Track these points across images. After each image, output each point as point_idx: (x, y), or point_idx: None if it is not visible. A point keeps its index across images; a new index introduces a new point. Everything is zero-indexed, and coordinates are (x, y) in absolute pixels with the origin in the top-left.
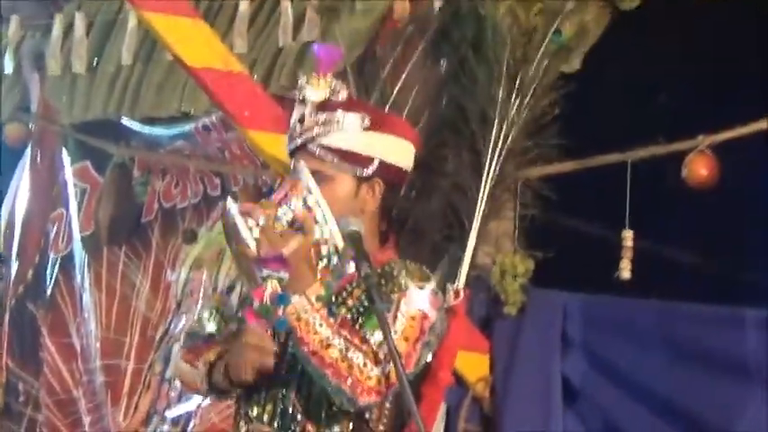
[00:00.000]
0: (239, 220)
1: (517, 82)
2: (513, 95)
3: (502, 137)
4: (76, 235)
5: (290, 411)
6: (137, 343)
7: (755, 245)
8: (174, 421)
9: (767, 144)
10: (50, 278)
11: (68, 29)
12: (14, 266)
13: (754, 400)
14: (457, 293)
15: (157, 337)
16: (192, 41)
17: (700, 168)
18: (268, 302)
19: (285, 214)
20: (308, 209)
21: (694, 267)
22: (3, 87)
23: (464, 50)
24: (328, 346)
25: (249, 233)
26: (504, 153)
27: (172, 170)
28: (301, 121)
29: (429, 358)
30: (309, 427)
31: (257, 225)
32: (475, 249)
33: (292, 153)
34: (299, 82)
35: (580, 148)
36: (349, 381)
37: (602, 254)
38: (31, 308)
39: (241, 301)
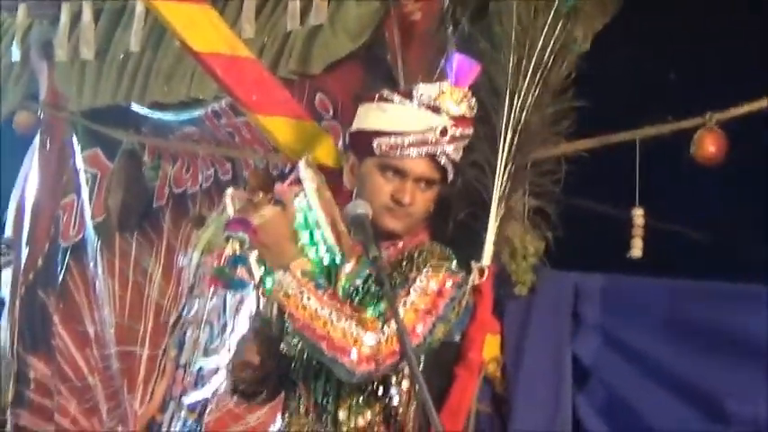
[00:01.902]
0: (229, 203)
1: (526, 50)
2: (524, 64)
3: (515, 109)
4: (88, 222)
5: (322, 402)
6: (151, 329)
7: (766, 220)
8: (191, 407)
9: None
10: (62, 265)
11: (76, 17)
12: (24, 254)
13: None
14: (481, 272)
15: (171, 323)
16: (199, 27)
17: (708, 145)
18: (224, 264)
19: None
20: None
21: (706, 245)
22: (11, 76)
23: (472, 21)
24: (317, 318)
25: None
26: (519, 126)
27: (182, 155)
28: (443, 133)
29: (457, 338)
30: (341, 415)
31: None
32: (500, 226)
33: (405, 156)
34: (433, 88)
35: (590, 127)
36: (343, 350)
37: (614, 233)
38: (41, 295)
39: None
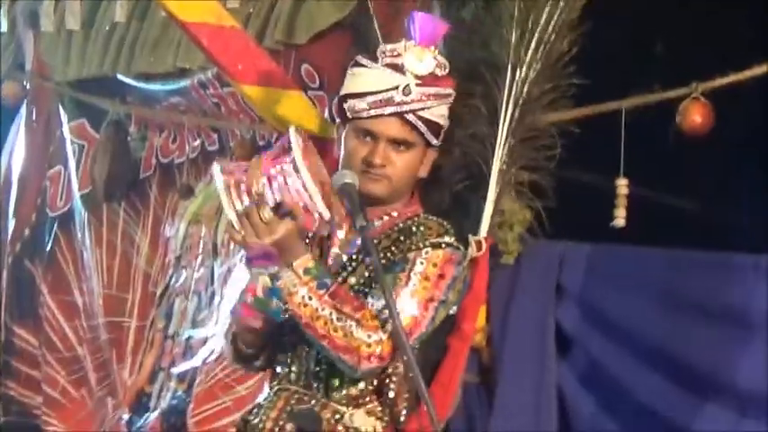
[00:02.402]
0: (224, 197)
1: (530, 24)
2: (526, 38)
3: (517, 82)
4: (76, 193)
5: (314, 369)
6: (139, 299)
7: (751, 191)
8: (180, 377)
9: (762, 90)
10: (49, 236)
11: None
12: (11, 224)
13: (753, 347)
14: (479, 245)
15: (158, 293)
16: None
17: (694, 115)
18: (261, 296)
19: (270, 197)
20: (296, 190)
21: (691, 215)
22: None
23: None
24: (318, 317)
25: (233, 212)
26: (520, 99)
27: (169, 125)
28: (406, 91)
29: (453, 311)
30: (334, 382)
31: (240, 200)
32: (498, 198)
33: (371, 117)
34: (394, 48)
35: (575, 96)
36: (345, 349)
37: (600, 203)
38: (28, 265)
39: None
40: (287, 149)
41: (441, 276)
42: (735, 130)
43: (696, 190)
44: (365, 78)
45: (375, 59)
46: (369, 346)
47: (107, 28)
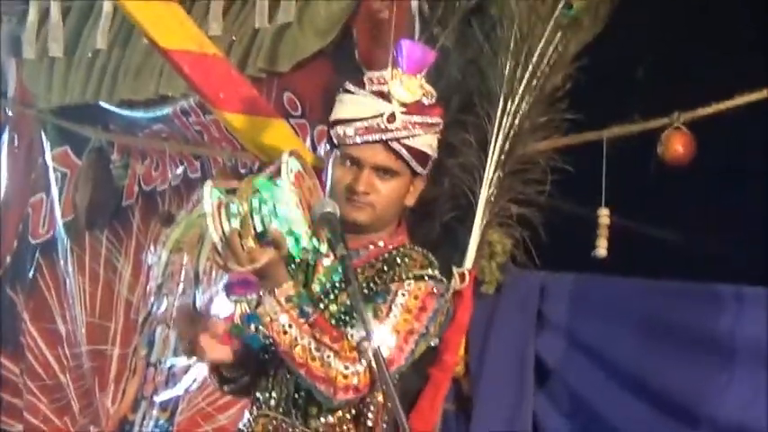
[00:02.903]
0: (211, 219)
1: (524, 56)
2: (520, 71)
3: (508, 114)
4: (59, 220)
5: (294, 396)
6: (121, 327)
7: (732, 221)
8: (163, 406)
9: (743, 120)
10: (31, 263)
11: (44, 14)
12: None
13: (734, 378)
14: (462, 277)
15: (140, 321)
16: (167, 24)
17: (676, 145)
18: (239, 322)
19: (257, 223)
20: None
21: (672, 245)
22: None
23: (475, 30)
24: (296, 345)
25: (218, 236)
26: (511, 131)
27: (151, 153)
28: (390, 119)
29: (434, 343)
30: (312, 410)
31: (228, 223)
32: (485, 229)
33: (356, 145)
34: (381, 75)
35: (566, 127)
36: (322, 379)
37: (581, 233)
38: (10, 293)
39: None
40: (277, 173)
41: (422, 309)
42: (716, 160)
43: (678, 220)
44: (352, 105)
45: (362, 86)
46: (345, 377)
47: (89, 55)
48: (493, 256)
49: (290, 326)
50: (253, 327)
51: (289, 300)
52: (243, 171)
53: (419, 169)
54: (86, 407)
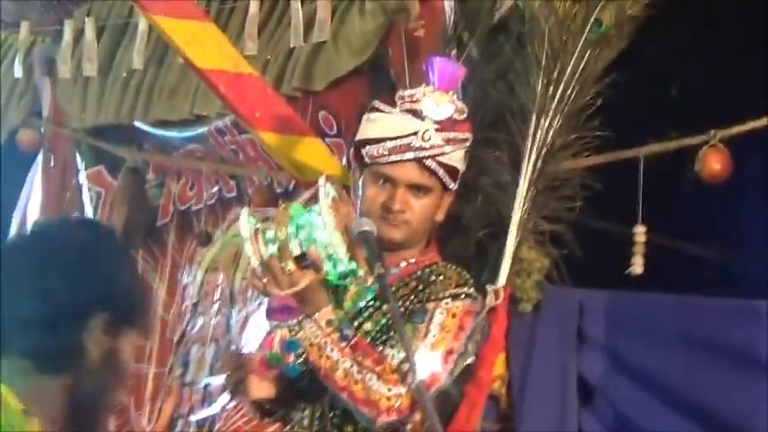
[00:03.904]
0: (249, 244)
1: (555, 74)
2: (552, 88)
3: (541, 131)
4: None
5: (328, 413)
6: (157, 346)
7: None
8: (199, 424)
9: None
10: None
11: (79, 33)
12: None
13: None
14: (497, 294)
15: (175, 340)
16: (202, 44)
17: (713, 162)
18: (278, 350)
19: (294, 247)
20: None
21: (711, 261)
22: (14, 93)
23: (504, 46)
24: (338, 369)
25: (258, 260)
26: (543, 148)
27: (186, 172)
28: (426, 137)
29: (470, 360)
30: (347, 428)
31: (265, 248)
32: (518, 247)
33: (391, 162)
34: (413, 93)
35: (596, 145)
36: (365, 402)
37: (619, 250)
38: None
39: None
40: (315, 199)
41: (461, 328)
42: (753, 177)
43: (714, 237)
44: (384, 124)
45: (393, 104)
46: (389, 399)
47: (124, 75)
48: (530, 274)
49: (331, 350)
50: (293, 355)
51: (329, 324)
52: (278, 190)
53: (451, 185)
54: (122, 426)
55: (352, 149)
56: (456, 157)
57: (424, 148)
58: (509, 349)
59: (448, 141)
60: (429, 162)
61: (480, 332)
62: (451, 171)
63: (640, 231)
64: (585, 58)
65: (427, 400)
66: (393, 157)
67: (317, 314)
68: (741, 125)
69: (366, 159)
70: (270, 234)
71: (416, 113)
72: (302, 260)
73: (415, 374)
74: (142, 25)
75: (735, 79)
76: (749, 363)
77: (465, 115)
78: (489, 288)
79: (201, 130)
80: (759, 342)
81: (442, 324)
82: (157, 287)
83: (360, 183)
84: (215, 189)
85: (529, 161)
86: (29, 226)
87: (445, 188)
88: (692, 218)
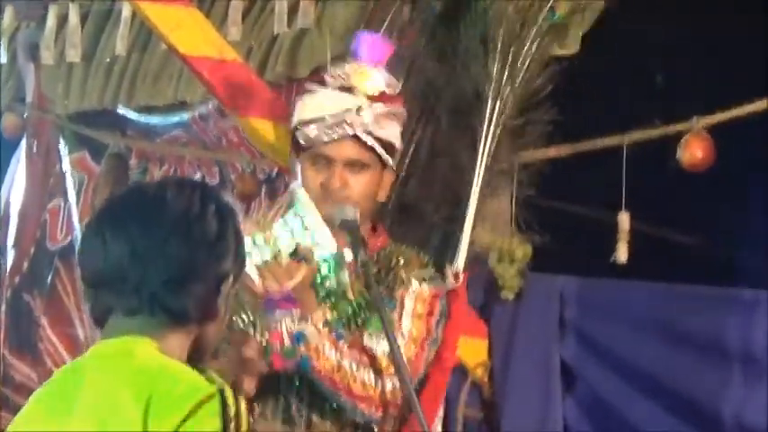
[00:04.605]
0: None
1: (510, 58)
2: (506, 72)
3: (496, 114)
4: (77, 225)
5: (294, 404)
6: None
7: (751, 226)
8: None
9: (763, 125)
10: (50, 269)
11: (62, 19)
12: (10, 257)
13: (751, 382)
14: (456, 276)
15: None
16: (186, 30)
17: (695, 150)
18: (288, 343)
19: (288, 244)
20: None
21: (691, 249)
22: None
23: (460, 31)
24: (339, 369)
25: (253, 267)
26: (498, 131)
27: (169, 159)
28: (358, 111)
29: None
30: (314, 418)
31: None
32: (473, 230)
33: (326, 141)
34: (343, 69)
35: (576, 130)
36: (363, 398)
37: (600, 237)
38: (27, 298)
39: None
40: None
41: (429, 314)
42: (736, 165)
43: (697, 224)
44: (316, 103)
45: (324, 84)
46: (390, 394)
47: (107, 60)
48: (512, 262)
49: (330, 349)
50: (302, 348)
51: (325, 324)
52: (261, 177)
53: (389, 161)
54: None
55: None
56: (393, 133)
57: (359, 124)
58: (491, 336)
59: (382, 115)
60: (365, 137)
61: (442, 314)
62: (388, 146)
63: (624, 219)
64: (537, 42)
65: (412, 391)
66: (329, 136)
67: (312, 316)
68: (724, 112)
69: (302, 143)
70: (259, 239)
71: (348, 90)
72: (294, 257)
73: (405, 367)
74: (126, 11)
75: (719, 65)
76: (730, 352)
77: (397, 90)
78: (448, 270)
79: (185, 116)
80: (741, 331)
81: (413, 311)
82: None
83: (299, 169)
84: (198, 175)
85: (485, 144)
86: (12, 210)
87: (384, 165)
88: (674, 205)
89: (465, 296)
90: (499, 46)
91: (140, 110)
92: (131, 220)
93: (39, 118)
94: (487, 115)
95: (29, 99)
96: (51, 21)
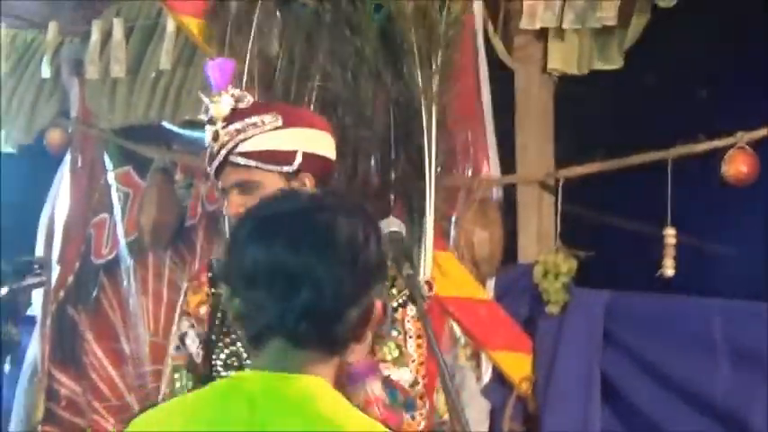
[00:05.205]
0: None
1: (433, 64)
2: (432, 79)
3: (434, 122)
4: (121, 240)
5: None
6: None
7: None
8: None
9: None
10: (95, 283)
11: (107, 34)
12: (55, 272)
13: None
14: (430, 285)
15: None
16: None
17: (740, 165)
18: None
19: None
20: None
21: (736, 264)
22: (42, 93)
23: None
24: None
25: None
26: (437, 138)
27: None
28: (215, 138)
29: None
30: None
31: None
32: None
33: (217, 173)
34: (206, 104)
35: (620, 146)
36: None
37: (644, 251)
38: (71, 313)
39: None
40: None
41: (420, 336)
42: None
43: (741, 239)
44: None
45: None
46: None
47: (152, 75)
48: (557, 277)
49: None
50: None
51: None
52: None
53: (282, 168)
54: None
55: None
56: (260, 142)
57: (222, 148)
58: (536, 351)
59: (238, 131)
60: (233, 158)
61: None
62: (266, 155)
63: (670, 233)
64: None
65: (450, 384)
66: (212, 168)
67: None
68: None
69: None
70: None
71: (210, 121)
72: None
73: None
74: (170, 26)
75: (764, 81)
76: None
77: (247, 100)
78: (422, 280)
79: None
80: None
81: (415, 333)
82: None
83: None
84: None
85: (430, 153)
86: (57, 225)
87: (281, 173)
88: (719, 220)
89: (440, 307)
90: (416, 52)
91: (185, 124)
92: (304, 244)
93: (83, 133)
94: (425, 123)
95: (73, 114)
96: (95, 36)
